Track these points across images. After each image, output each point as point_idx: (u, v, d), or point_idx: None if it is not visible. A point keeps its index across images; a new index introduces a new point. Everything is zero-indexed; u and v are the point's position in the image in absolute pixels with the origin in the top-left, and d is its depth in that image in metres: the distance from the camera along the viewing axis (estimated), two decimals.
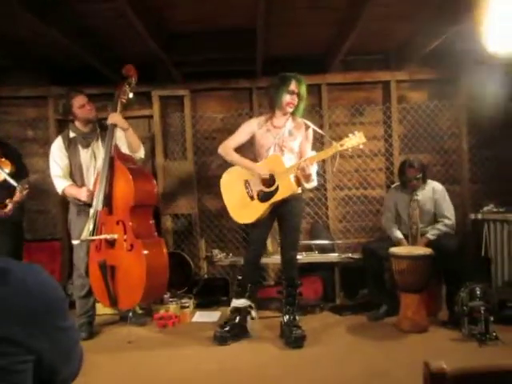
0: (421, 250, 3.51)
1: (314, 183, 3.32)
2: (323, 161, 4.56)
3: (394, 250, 3.57)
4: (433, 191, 3.80)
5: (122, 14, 3.03)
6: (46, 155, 4.70)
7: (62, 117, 3.92)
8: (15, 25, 3.33)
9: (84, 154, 3.47)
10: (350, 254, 4.25)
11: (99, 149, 3.48)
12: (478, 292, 3.28)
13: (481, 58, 3.70)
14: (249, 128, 3.37)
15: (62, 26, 3.27)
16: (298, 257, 3.78)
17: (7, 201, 3.18)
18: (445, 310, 3.65)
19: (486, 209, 4.10)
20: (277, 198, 3.19)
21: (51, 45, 3.68)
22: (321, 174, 4.65)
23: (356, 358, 2.99)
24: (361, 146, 3.14)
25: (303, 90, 3.27)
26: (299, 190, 3.35)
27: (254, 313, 3.43)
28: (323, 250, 4.39)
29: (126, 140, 3.45)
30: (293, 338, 3.19)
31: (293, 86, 3.23)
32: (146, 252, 3.18)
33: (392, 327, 3.49)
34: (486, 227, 4.01)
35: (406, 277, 3.42)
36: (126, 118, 3.54)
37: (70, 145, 3.47)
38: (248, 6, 3.20)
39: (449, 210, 3.77)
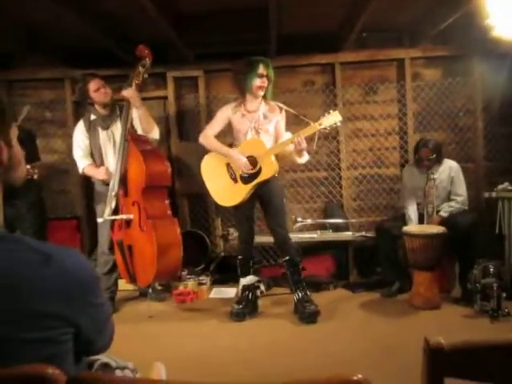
0: (434, 229, 3.54)
1: (306, 157, 3.38)
2: (337, 141, 4.60)
3: (406, 228, 3.61)
4: (449, 169, 3.81)
5: None
6: (65, 136, 4.84)
7: (79, 100, 3.98)
8: (32, 8, 3.36)
9: (103, 136, 3.56)
10: (363, 233, 4.31)
11: (118, 130, 3.55)
12: (491, 269, 3.32)
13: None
14: (224, 114, 3.43)
15: (78, 9, 3.29)
16: (313, 235, 3.87)
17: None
18: (458, 287, 3.69)
19: (500, 187, 4.07)
20: (260, 178, 3.27)
21: (67, 28, 3.71)
22: (335, 153, 4.68)
23: (368, 333, 3.07)
24: (338, 124, 3.19)
25: (271, 72, 3.32)
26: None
27: (262, 287, 3.53)
28: (337, 228, 4.44)
29: (139, 118, 3.51)
30: (306, 314, 3.28)
31: (261, 69, 3.27)
32: (156, 233, 3.25)
33: (404, 304, 3.56)
34: (501, 205, 4.00)
35: (418, 255, 3.47)
36: (142, 99, 3.59)
37: (91, 127, 3.57)
38: None
39: (461, 187, 3.79)
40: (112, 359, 1.20)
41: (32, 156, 3.58)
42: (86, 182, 4.90)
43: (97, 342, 0.97)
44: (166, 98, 4.80)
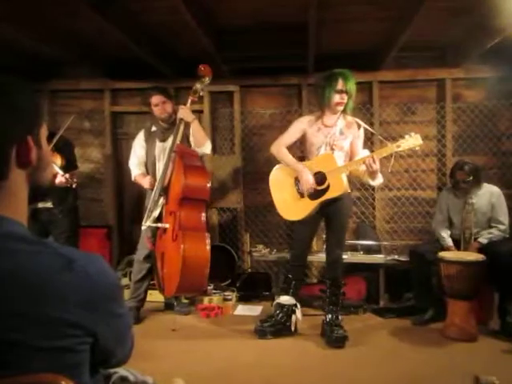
0: (472, 256, 3.38)
1: (380, 179, 3.25)
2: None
3: (443, 254, 3.46)
4: (490, 195, 3.65)
5: (175, 11, 3.09)
6: (101, 146, 4.95)
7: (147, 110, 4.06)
8: (77, 21, 3.48)
9: (158, 147, 3.64)
10: (396, 256, 4.16)
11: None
12: None
13: None
14: (300, 126, 3.36)
15: (120, 22, 3.38)
16: (343, 256, 3.74)
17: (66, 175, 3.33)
18: (496, 319, 3.49)
19: None
20: (327, 196, 3.17)
21: (109, 40, 3.82)
22: None
23: (397, 362, 2.93)
24: (417, 148, 3.06)
25: (351, 86, 3.19)
26: (349, 190, 3.32)
27: (299, 313, 3.38)
28: (368, 250, 4.32)
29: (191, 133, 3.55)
30: (334, 338, 3.17)
31: (340, 84, 3.16)
32: (184, 244, 3.21)
33: (437, 334, 3.39)
34: None
35: (454, 283, 3.31)
36: None
37: (150, 138, 3.69)
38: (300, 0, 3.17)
39: (503, 214, 3.62)
40: (131, 373, 1.15)
41: (70, 164, 3.65)
42: (119, 191, 5.00)
43: (115, 354, 0.93)
44: (201, 111, 4.84)
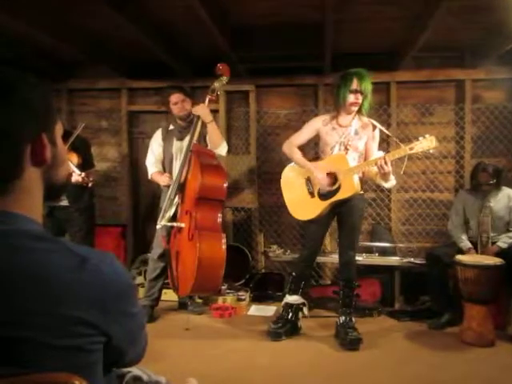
0: (490, 260, 3.31)
1: (392, 182, 3.20)
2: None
3: (460, 257, 3.40)
4: (508, 198, 3.58)
5: (191, 9, 3.09)
6: (117, 145, 4.99)
7: (165, 109, 4.07)
8: (95, 20, 3.51)
9: (176, 145, 3.66)
10: (412, 259, 4.10)
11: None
12: None
13: None
14: (314, 126, 3.34)
15: (137, 21, 3.39)
16: (358, 258, 3.71)
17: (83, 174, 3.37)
18: None
19: None
20: (338, 197, 3.15)
21: (125, 38, 3.84)
22: None
23: (412, 366, 2.88)
24: (431, 151, 3.00)
25: (366, 86, 3.15)
26: (361, 191, 3.28)
27: (305, 310, 3.39)
28: (384, 252, 4.27)
29: (208, 133, 3.55)
30: (348, 340, 3.14)
31: (355, 84, 3.13)
32: (200, 244, 3.21)
33: (454, 338, 3.34)
34: None
35: (471, 287, 3.25)
36: None
37: (167, 136, 3.71)
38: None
39: None
40: (144, 372, 1.15)
41: (86, 163, 3.69)
42: (135, 190, 5.03)
43: (128, 354, 0.92)
44: (216, 111, 4.84)
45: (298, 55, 4.26)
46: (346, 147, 3.23)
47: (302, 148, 3.38)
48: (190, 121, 3.63)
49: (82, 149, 3.67)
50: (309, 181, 3.29)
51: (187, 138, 3.53)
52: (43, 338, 0.75)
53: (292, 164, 3.43)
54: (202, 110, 3.43)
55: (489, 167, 3.55)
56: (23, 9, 3.13)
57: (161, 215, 3.40)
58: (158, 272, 3.64)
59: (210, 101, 3.49)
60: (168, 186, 3.52)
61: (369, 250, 4.30)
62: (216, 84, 3.46)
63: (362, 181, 3.26)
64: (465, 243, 3.64)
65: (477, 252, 3.57)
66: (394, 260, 4.14)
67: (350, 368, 2.87)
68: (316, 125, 3.33)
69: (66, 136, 3.81)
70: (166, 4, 3.29)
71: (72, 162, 3.43)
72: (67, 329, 0.77)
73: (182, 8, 3.28)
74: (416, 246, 4.46)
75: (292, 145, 3.33)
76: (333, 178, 3.17)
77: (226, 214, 4.76)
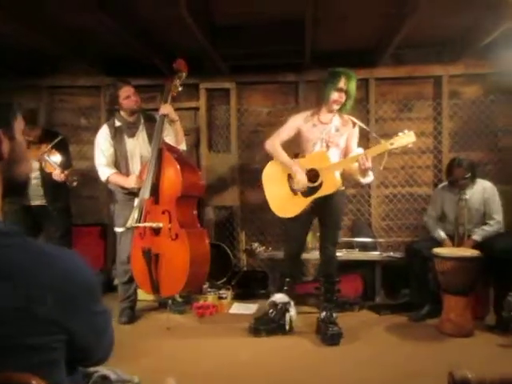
0: (467, 252, 3.37)
1: (370, 177, 3.23)
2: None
3: (438, 250, 3.45)
4: (483, 190, 3.63)
5: (172, 6, 3.06)
6: None
7: (108, 106, 4.03)
8: (75, 15, 3.44)
9: (129, 143, 3.55)
10: (391, 253, 4.14)
11: (144, 139, 3.57)
12: None
13: None
14: (295, 123, 3.34)
15: (117, 18, 3.35)
16: (339, 254, 3.74)
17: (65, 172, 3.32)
18: (492, 314, 3.48)
19: None
20: (320, 193, 3.16)
21: (106, 35, 3.79)
22: None
23: (392, 358, 2.92)
24: (410, 146, 3.04)
25: (352, 87, 3.18)
26: (342, 187, 3.30)
27: (292, 311, 3.36)
28: (364, 247, 4.30)
29: (172, 132, 3.52)
30: (329, 335, 3.16)
31: (341, 83, 3.15)
32: (189, 242, 3.22)
33: (433, 329, 3.38)
34: None
35: (449, 278, 3.30)
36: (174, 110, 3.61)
37: (116, 134, 3.54)
38: None
39: (497, 210, 3.60)
40: (114, 372, 1.13)
41: (64, 162, 3.62)
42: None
43: (94, 352, 0.91)
44: (197, 108, 4.82)
45: (278, 52, 4.26)
46: (327, 144, 3.25)
47: (285, 145, 3.37)
48: (138, 116, 3.57)
49: (60, 148, 3.61)
50: (291, 177, 3.29)
51: (140, 135, 3.52)
52: (2, 338, 0.74)
53: (274, 160, 3.43)
54: (170, 109, 3.41)
55: (463, 162, 3.60)
56: (2, 3, 3.05)
57: (131, 216, 3.33)
58: (131, 274, 3.52)
59: (172, 96, 3.46)
60: (139, 188, 3.37)
61: (350, 246, 4.33)
62: (177, 80, 3.44)
63: (343, 177, 3.28)
64: (439, 233, 3.69)
65: (453, 244, 3.62)
66: (374, 255, 4.18)
67: (331, 363, 2.88)
68: (297, 122, 3.34)
69: (47, 136, 3.76)
70: (146, 1, 3.26)
71: (55, 160, 3.37)
72: (27, 326, 0.76)
73: (163, 5, 3.24)
74: (396, 240, 4.51)
75: (274, 143, 3.33)
76: (314, 174, 3.18)
77: (207, 212, 4.75)
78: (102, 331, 0.92)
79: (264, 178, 3.43)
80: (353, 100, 3.25)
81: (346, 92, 3.18)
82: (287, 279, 3.41)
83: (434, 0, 3.08)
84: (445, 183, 3.89)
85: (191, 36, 3.64)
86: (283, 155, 3.31)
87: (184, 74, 3.46)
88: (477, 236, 3.55)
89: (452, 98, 4.55)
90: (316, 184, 3.17)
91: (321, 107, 3.29)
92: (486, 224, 3.60)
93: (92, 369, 1.08)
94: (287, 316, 3.35)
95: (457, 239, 3.61)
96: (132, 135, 3.56)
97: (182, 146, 3.58)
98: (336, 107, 3.23)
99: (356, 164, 3.10)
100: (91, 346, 0.89)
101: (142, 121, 3.60)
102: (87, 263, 0.88)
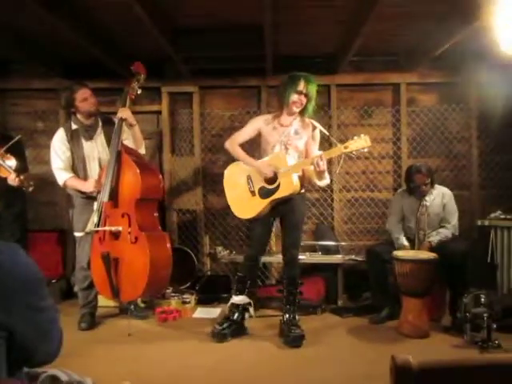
0: (425, 255, 3.46)
1: (326, 181, 3.28)
2: (329, 162, 4.54)
3: (397, 253, 3.53)
4: (442, 196, 3.75)
5: (130, 9, 3.03)
6: None
7: (63, 109, 3.94)
8: (26, 17, 3.35)
9: (87, 146, 3.48)
10: (353, 256, 4.22)
11: (102, 142, 3.50)
12: (482, 299, 3.22)
13: (492, 60, 3.66)
14: (255, 124, 3.37)
15: (71, 21, 3.28)
16: (302, 257, 3.78)
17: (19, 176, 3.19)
18: (448, 315, 3.59)
19: (493, 215, 4.03)
20: (277, 195, 3.18)
21: (61, 38, 3.70)
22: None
23: (354, 359, 2.96)
24: (365, 150, 3.07)
25: (312, 90, 3.23)
26: (302, 190, 3.34)
27: (251, 310, 3.40)
28: (327, 251, 4.36)
29: (131, 135, 3.47)
30: (291, 337, 3.17)
31: (301, 86, 3.19)
32: (149, 245, 3.18)
33: (392, 331, 3.45)
34: (493, 233, 3.95)
35: (408, 280, 3.38)
36: (135, 113, 3.55)
37: (73, 137, 3.46)
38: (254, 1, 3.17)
39: (452, 214, 3.74)
40: (64, 373, 1.09)
41: (20, 166, 3.49)
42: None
43: (38, 351, 0.87)
44: (159, 112, 4.78)
45: (240, 57, 4.28)
46: (286, 146, 3.28)
47: (242, 146, 3.39)
48: (95, 119, 3.52)
49: (16, 151, 3.48)
50: (250, 179, 3.30)
51: (99, 138, 3.47)
52: None
53: (235, 162, 3.44)
54: (128, 113, 3.37)
55: (422, 168, 3.70)
56: None
57: (91, 221, 3.27)
58: (90, 280, 3.43)
59: (130, 99, 3.44)
60: (98, 192, 3.31)
61: (313, 249, 4.39)
62: (135, 83, 3.42)
63: (303, 180, 3.31)
64: (401, 241, 3.74)
65: (413, 248, 3.71)
66: (337, 258, 4.24)
67: (293, 365, 2.90)
68: (258, 123, 3.37)
69: (2, 139, 3.62)
70: (101, 3, 3.20)
71: (10, 164, 3.24)
72: None
73: (119, 7, 3.19)
74: (358, 244, 4.60)
75: (234, 142, 3.36)
76: (273, 176, 3.21)
77: (170, 216, 4.70)
78: (46, 329, 0.88)
79: (225, 180, 3.45)
80: (314, 103, 3.29)
81: (306, 95, 3.22)
82: (248, 281, 3.42)
83: (382, 14, 3.17)
84: (403, 188, 3.99)
85: (151, 38, 3.61)
86: (243, 154, 3.35)
87: (142, 77, 3.44)
88: (433, 238, 3.66)
89: (410, 105, 4.70)
90: (274, 186, 3.19)
91: (282, 110, 3.33)
92: (442, 227, 3.72)
93: (40, 369, 1.04)
94: (246, 315, 3.38)
95: (417, 243, 3.70)
96: (89, 138, 3.48)
97: (141, 150, 3.55)
98: (296, 109, 3.27)
99: (312, 167, 3.14)
100: (34, 345, 0.85)
101: (100, 124, 3.53)
102: (31, 258, 0.85)
